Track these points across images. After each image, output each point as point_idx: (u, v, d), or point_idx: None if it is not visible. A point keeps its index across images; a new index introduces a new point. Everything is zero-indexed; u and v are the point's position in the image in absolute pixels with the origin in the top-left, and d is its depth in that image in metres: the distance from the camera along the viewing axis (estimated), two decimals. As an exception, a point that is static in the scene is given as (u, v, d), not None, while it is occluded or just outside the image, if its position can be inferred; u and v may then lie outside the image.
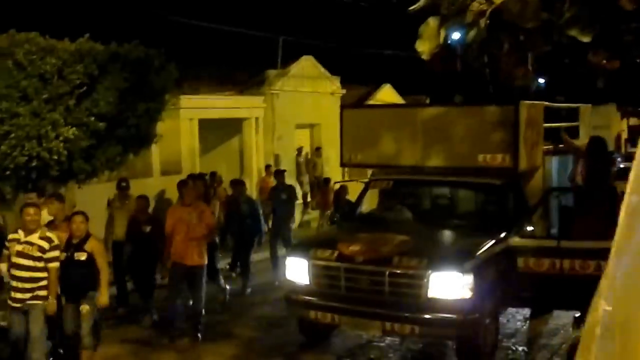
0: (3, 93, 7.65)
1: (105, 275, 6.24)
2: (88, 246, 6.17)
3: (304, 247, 7.03)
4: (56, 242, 6.05)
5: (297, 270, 6.71)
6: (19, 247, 6.01)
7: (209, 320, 7.57)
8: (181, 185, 7.67)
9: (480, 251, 6.29)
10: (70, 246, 6.19)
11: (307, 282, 6.61)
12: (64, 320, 6.23)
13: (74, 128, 7.96)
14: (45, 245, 5.99)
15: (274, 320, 7.99)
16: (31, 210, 6.05)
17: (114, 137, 8.64)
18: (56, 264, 6.01)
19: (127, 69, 8.55)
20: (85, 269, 6.11)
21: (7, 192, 8.17)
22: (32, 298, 5.95)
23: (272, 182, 12.03)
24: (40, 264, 5.98)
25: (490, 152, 7.02)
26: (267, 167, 14.85)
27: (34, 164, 7.71)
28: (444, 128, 7.33)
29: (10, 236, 6.23)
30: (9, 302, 6.05)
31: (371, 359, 6.82)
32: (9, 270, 6.10)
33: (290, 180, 12.54)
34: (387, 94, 19.47)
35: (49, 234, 6.08)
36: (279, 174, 10.95)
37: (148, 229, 7.72)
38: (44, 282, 5.96)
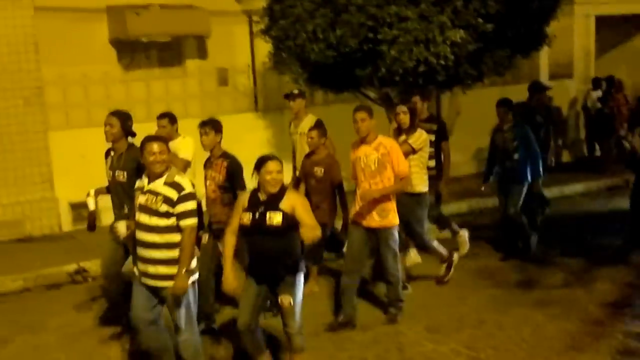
0: (393, -4, 8.00)
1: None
2: (286, 203, 4.99)
3: None
4: (188, 189, 4.89)
5: None
6: (141, 199, 4.97)
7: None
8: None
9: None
10: (258, 203, 5.05)
11: None
12: None
13: (462, 31, 8.01)
14: (173, 194, 4.86)
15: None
16: (155, 146, 4.85)
17: (502, 39, 8.52)
18: (191, 222, 4.87)
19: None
20: (280, 238, 4.93)
21: (394, 97, 8.72)
22: (163, 277, 4.92)
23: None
24: (170, 222, 4.85)
25: None
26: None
27: (421, 69, 8.01)
28: None
29: (137, 183, 5.19)
30: (138, 277, 5.07)
31: None
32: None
33: None
34: None
35: (178, 178, 4.92)
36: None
37: None
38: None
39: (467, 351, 5.88)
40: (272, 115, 11.23)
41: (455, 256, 7.53)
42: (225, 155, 6.31)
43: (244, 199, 5.16)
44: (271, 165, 5.02)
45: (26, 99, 9.53)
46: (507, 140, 8.11)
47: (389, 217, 6.30)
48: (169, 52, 10.75)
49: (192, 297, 5.06)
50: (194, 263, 5.07)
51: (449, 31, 7.95)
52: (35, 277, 7.97)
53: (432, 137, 7.62)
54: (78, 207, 9.56)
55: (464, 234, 8.20)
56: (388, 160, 6.23)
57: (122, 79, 10.39)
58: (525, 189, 8.19)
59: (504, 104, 8.18)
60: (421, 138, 7.09)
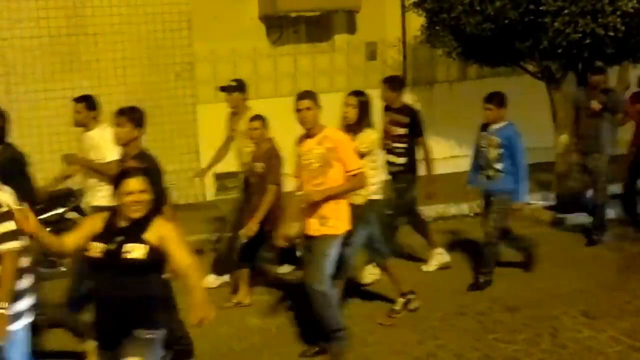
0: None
1: None
2: (152, 233, 4.02)
3: None
4: (4, 207, 4.10)
5: None
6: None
7: None
8: None
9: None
10: (115, 231, 4.04)
11: None
12: None
13: (634, 1, 7.75)
14: None
15: None
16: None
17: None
18: (10, 246, 4.11)
19: None
20: (138, 278, 3.98)
21: (555, 70, 8.52)
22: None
23: None
24: None
25: None
26: None
27: (587, 41, 7.80)
28: None
29: None
30: None
31: None
32: None
33: None
34: None
35: None
36: None
37: None
38: None
39: (628, 340, 5.67)
40: (421, 89, 11.28)
41: (415, 302, 6.44)
42: (142, 156, 5.27)
43: (96, 222, 4.11)
44: (132, 184, 3.97)
45: (178, 73, 10.15)
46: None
47: (330, 224, 5.43)
48: (318, 26, 11.03)
49: (20, 346, 4.20)
50: (26, 302, 4.24)
51: (620, 1, 7.71)
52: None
53: (403, 131, 7.09)
54: (222, 178, 10.13)
55: (441, 252, 7.55)
56: (334, 157, 5.39)
57: (270, 54, 10.79)
58: None
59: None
60: (369, 139, 6.15)
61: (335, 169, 5.39)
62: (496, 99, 6.83)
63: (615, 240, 8.07)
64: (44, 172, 7.38)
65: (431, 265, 7.48)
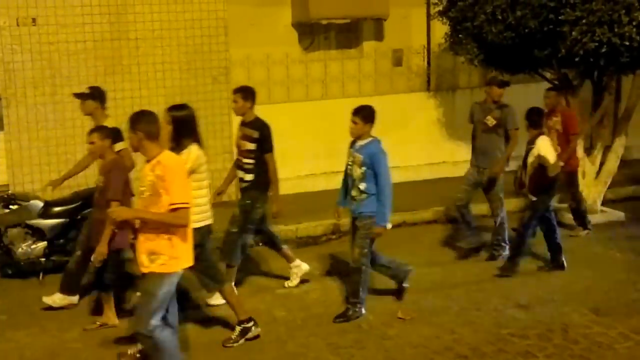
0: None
1: None
2: None
3: None
4: None
5: None
6: None
7: None
8: None
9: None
10: None
11: None
12: None
13: (650, 11, 7.73)
14: None
15: None
16: None
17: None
18: None
19: None
20: None
21: (572, 78, 8.52)
22: None
23: None
24: None
25: None
26: None
27: (603, 50, 7.80)
28: None
29: None
30: None
31: None
32: None
33: None
34: None
35: None
36: None
37: None
38: None
39: (637, 337, 5.73)
40: (444, 94, 11.42)
41: (254, 329, 5.92)
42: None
43: None
44: None
45: (214, 77, 10.30)
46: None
47: (160, 261, 4.73)
48: (347, 34, 11.14)
49: None
50: None
51: (636, 12, 7.70)
52: (213, 239, 8.59)
53: (252, 146, 6.60)
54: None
55: (302, 265, 7.12)
56: (162, 186, 4.64)
57: (301, 60, 10.92)
58: None
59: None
60: (192, 156, 5.53)
61: (164, 201, 4.64)
62: (363, 113, 6.16)
63: (624, 241, 8.09)
64: (87, 170, 7.62)
65: (293, 281, 7.09)
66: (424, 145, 11.14)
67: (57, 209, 7.57)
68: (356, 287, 6.30)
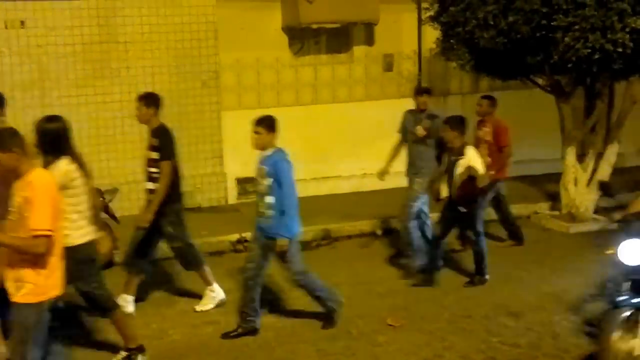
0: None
1: None
2: None
3: None
4: None
5: None
6: None
7: None
8: None
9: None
10: None
11: None
12: None
13: (643, 18, 7.76)
14: None
15: None
16: None
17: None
18: None
19: None
20: None
21: (565, 84, 8.52)
22: None
23: None
24: None
25: None
26: None
27: (596, 56, 7.81)
28: None
29: None
30: None
31: None
32: None
33: None
34: None
35: None
36: None
37: None
38: None
39: (627, 345, 5.70)
40: (435, 100, 11.27)
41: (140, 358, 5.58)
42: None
43: None
44: None
45: (204, 81, 10.26)
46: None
47: (25, 290, 4.35)
48: (337, 38, 11.13)
49: None
50: None
51: (629, 18, 7.71)
52: (201, 243, 8.57)
53: (156, 155, 6.37)
54: (243, 182, 10.29)
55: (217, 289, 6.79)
56: (28, 209, 4.25)
57: (292, 64, 10.89)
58: None
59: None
60: (61, 171, 5.03)
61: (28, 225, 4.26)
62: (266, 122, 5.93)
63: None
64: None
65: (208, 304, 6.76)
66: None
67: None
68: (313, 295, 6.23)
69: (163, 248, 6.97)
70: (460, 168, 6.98)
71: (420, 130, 7.61)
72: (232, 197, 10.56)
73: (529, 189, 10.61)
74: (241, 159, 9.91)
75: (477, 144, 7.88)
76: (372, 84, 11.22)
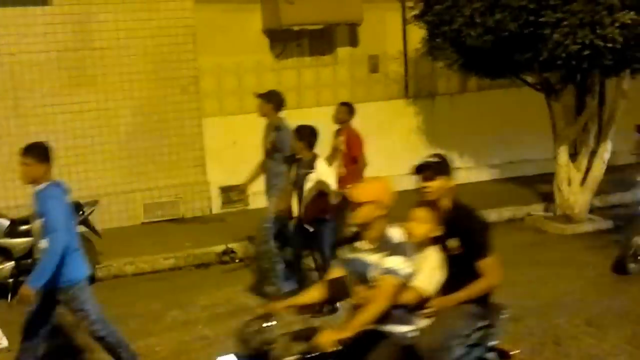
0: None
1: None
2: None
3: None
4: None
5: None
6: None
7: None
8: None
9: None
10: None
11: None
12: None
13: (632, 12, 7.73)
14: None
15: None
16: None
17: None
18: None
19: None
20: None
21: (555, 82, 8.50)
22: None
23: None
24: None
25: None
26: None
27: (585, 52, 7.79)
28: None
29: None
30: None
31: None
32: None
33: None
34: None
35: None
36: None
37: None
38: None
39: (630, 347, 5.67)
40: (423, 101, 11.36)
41: None
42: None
43: None
44: None
45: (183, 87, 10.14)
46: None
47: None
48: (320, 40, 11.05)
49: None
50: None
51: (618, 13, 7.70)
52: (186, 255, 8.49)
53: None
54: (228, 191, 10.16)
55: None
56: None
57: (274, 67, 10.80)
58: None
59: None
60: None
61: None
62: (36, 151, 5.04)
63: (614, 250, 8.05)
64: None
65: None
66: (403, 154, 11.05)
67: (24, 227, 7.35)
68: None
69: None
70: (309, 183, 6.52)
71: (266, 143, 7.23)
72: (217, 207, 10.44)
73: (521, 190, 10.58)
74: (224, 166, 9.83)
75: (334, 154, 7.65)
76: (357, 86, 11.14)
